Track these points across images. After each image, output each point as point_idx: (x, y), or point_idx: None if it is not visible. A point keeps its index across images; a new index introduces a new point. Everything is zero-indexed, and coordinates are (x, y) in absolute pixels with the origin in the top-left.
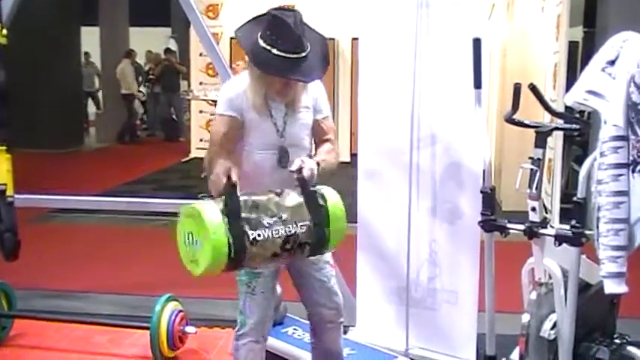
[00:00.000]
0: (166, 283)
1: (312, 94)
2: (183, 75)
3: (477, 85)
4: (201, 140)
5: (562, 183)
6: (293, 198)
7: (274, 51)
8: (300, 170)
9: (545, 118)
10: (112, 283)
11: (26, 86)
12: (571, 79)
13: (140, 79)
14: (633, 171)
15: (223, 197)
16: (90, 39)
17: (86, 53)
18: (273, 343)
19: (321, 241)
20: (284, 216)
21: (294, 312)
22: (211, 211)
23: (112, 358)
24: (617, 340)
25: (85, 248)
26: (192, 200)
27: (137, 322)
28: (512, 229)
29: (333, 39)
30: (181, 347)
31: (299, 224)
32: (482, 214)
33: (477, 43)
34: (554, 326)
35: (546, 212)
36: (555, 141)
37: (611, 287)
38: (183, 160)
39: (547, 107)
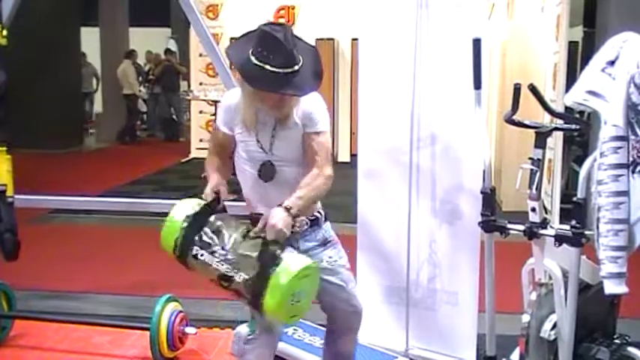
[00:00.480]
0: (166, 283)
1: (305, 107)
2: (183, 75)
3: (477, 85)
4: (201, 140)
5: (562, 183)
6: (252, 246)
7: (266, 67)
8: (263, 229)
9: (545, 119)
10: (112, 283)
11: (26, 87)
12: (571, 80)
13: (140, 79)
14: (633, 171)
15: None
16: (90, 39)
17: (83, 54)
18: None
19: (255, 302)
20: (230, 256)
21: None
22: (181, 209)
23: (111, 358)
24: (617, 341)
25: (85, 249)
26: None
27: (137, 322)
28: (512, 229)
29: (333, 39)
30: (181, 348)
31: (239, 273)
32: (482, 214)
33: (476, 43)
34: (554, 327)
35: (546, 213)
36: (555, 141)
37: (611, 288)
38: (183, 160)
39: (547, 108)
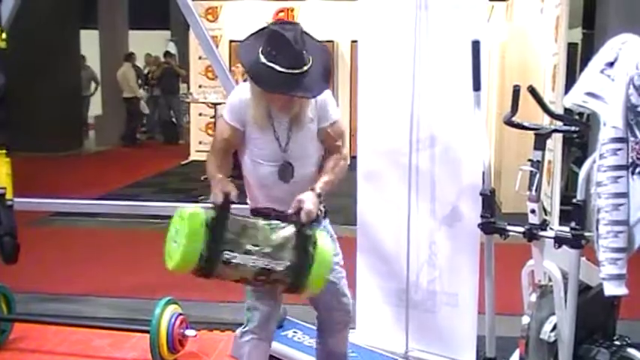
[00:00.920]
0: (166, 286)
1: (318, 103)
2: (183, 78)
3: (476, 87)
4: (200, 143)
5: (562, 185)
6: (283, 234)
7: (275, 67)
8: (298, 211)
9: (545, 120)
10: (112, 286)
11: (26, 89)
12: (570, 81)
13: (139, 81)
14: (632, 173)
15: (215, 210)
16: (89, 42)
17: (82, 57)
18: (274, 346)
19: (296, 285)
20: (266, 249)
21: (293, 315)
22: (195, 218)
23: None
24: (617, 342)
25: (85, 251)
26: (192, 203)
27: (137, 325)
28: (512, 231)
29: (333, 41)
30: (181, 350)
31: (279, 262)
32: (481, 216)
33: (475, 45)
34: (554, 328)
35: (546, 214)
36: (555, 143)
37: (611, 289)
38: (183, 162)
39: (546, 109)
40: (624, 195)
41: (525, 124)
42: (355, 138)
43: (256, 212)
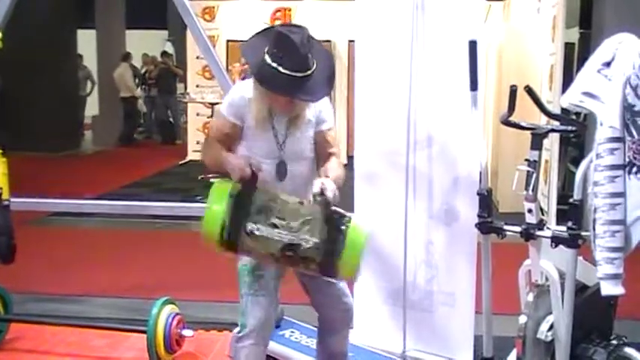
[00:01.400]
0: (163, 286)
1: (316, 106)
2: (180, 78)
3: (473, 87)
4: (198, 143)
5: (559, 185)
6: (313, 211)
7: (280, 69)
8: (322, 192)
9: (542, 120)
10: (109, 286)
11: (22, 89)
12: (567, 81)
13: (136, 81)
14: (629, 172)
15: (242, 183)
16: (86, 42)
17: (79, 56)
18: (270, 345)
19: (329, 265)
20: (293, 224)
21: (291, 314)
22: (221, 188)
23: None
24: (614, 342)
25: (82, 251)
26: (190, 203)
27: (134, 325)
28: (509, 230)
29: (330, 41)
30: (178, 350)
31: (306, 238)
32: (478, 215)
33: (472, 45)
34: (551, 328)
35: (543, 214)
36: (552, 143)
37: (608, 289)
38: (181, 162)
39: (543, 109)
40: (621, 194)
41: (522, 123)
42: (352, 138)
43: None
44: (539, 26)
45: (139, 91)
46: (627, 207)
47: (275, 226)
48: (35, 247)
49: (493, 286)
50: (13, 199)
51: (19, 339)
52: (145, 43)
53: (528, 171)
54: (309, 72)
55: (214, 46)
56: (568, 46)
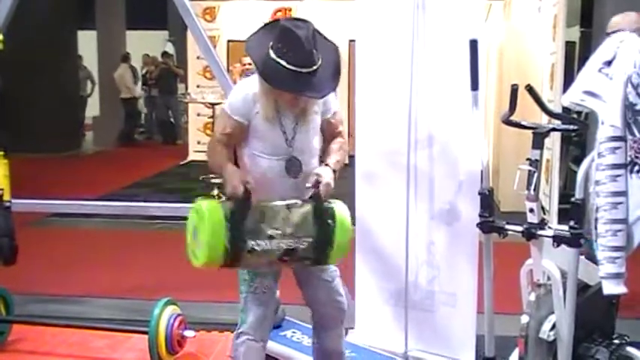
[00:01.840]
0: (165, 286)
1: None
2: (181, 78)
3: (474, 86)
4: (198, 143)
5: (560, 184)
6: (301, 212)
7: (284, 64)
8: (316, 185)
9: (543, 119)
10: (110, 287)
11: (23, 91)
12: (568, 80)
13: (136, 82)
14: (631, 171)
15: (234, 202)
16: (87, 43)
17: (79, 57)
18: (272, 346)
19: (321, 258)
20: (288, 230)
21: (292, 315)
22: (215, 214)
23: None
24: (616, 341)
25: (83, 252)
26: (190, 204)
27: (135, 326)
28: (511, 230)
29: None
30: (180, 351)
31: (302, 239)
32: (480, 215)
33: (473, 44)
34: (553, 327)
35: (544, 213)
36: (553, 142)
37: (610, 288)
38: (182, 163)
39: (544, 108)
40: (623, 193)
41: (523, 123)
42: (353, 138)
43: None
44: (540, 25)
45: (138, 92)
46: (629, 206)
47: (272, 237)
48: (36, 248)
49: (495, 286)
50: (14, 201)
51: (21, 340)
52: (145, 44)
53: (530, 170)
54: (314, 67)
55: (215, 47)
56: (569, 45)
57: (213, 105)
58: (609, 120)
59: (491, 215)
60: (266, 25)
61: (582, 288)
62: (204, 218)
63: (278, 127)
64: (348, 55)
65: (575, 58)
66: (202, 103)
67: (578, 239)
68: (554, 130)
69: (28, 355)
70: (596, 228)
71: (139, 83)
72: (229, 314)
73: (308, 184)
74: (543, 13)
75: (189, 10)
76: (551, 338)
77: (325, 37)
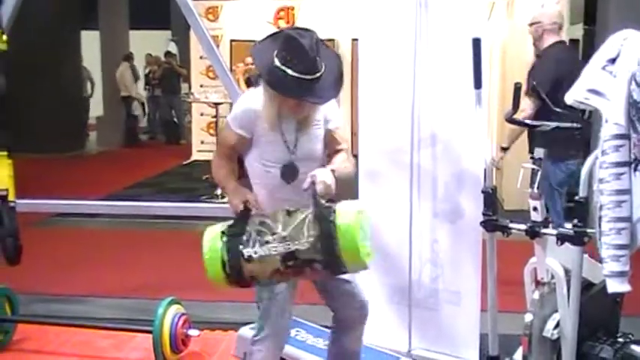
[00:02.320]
0: (169, 286)
1: (323, 106)
2: (184, 78)
3: (477, 85)
4: (202, 143)
5: None
6: (301, 216)
7: (289, 71)
8: (311, 185)
9: None
10: (115, 286)
11: (27, 91)
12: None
13: (136, 81)
14: (635, 169)
15: (235, 219)
16: (90, 43)
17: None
18: None
19: (332, 258)
20: (284, 233)
21: (297, 314)
22: (209, 234)
23: None
24: (620, 339)
25: (88, 252)
26: (194, 203)
27: (140, 325)
28: (514, 228)
29: (333, 40)
30: (184, 350)
31: (300, 241)
32: (483, 214)
33: (476, 42)
34: (557, 326)
35: (548, 211)
36: None
37: (614, 286)
38: (185, 162)
39: (547, 106)
40: (627, 192)
41: (527, 121)
42: (356, 137)
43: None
44: None
45: (136, 91)
46: (633, 204)
47: (268, 242)
48: (41, 248)
49: (498, 284)
50: (19, 201)
51: (26, 340)
52: (148, 44)
53: (533, 168)
54: (317, 74)
55: (218, 46)
56: (573, 43)
57: (216, 104)
58: (613, 118)
59: (494, 214)
60: (270, 35)
61: (586, 286)
62: (204, 238)
63: (279, 135)
64: (351, 54)
65: (578, 55)
66: (205, 102)
67: (582, 237)
68: (557, 128)
69: (33, 354)
70: (599, 226)
71: (139, 83)
72: (233, 313)
73: (304, 186)
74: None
75: (192, 10)
76: (555, 337)
77: (328, 47)
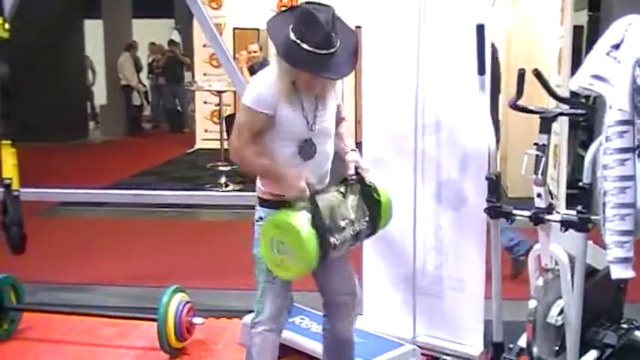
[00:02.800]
0: (173, 274)
1: (337, 81)
2: (187, 66)
3: (481, 71)
4: (206, 131)
5: (568, 168)
6: (353, 198)
7: (304, 45)
8: (357, 171)
9: (552, 104)
10: (119, 275)
11: (30, 80)
12: (576, 64)
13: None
14: (639, 155)
15: (308, 207)
16: (93, 32)
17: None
18: None
19: (372, 232)
20: (352, 217)
21: (301, 302)
22: (306, 227)
23: (119, 350)
24: (624, 325)
25: (92, 241)
26: (198, 191)
27: (144, 313)
28: (518, 215)
29: None
30: (189, 338)
31: (362, 221)
32: (487, 200)
33: (480, 29)
34: (561, 312)
35: (552, 198)
36: (561, 126)
37: (618, 272)
38: (189, 151)
39: (551, 93)
40: (631, 178)
41: (531, 107)
42: (360, 124)
43: (280, 201)
44: (548, 9)
45: (137, 82)
46: (637, 190)
47: (344, 228)
48: (45, 236)
49: (502, 271)
50: (23, 190)
51: (31, 328)
52: (151, 32)
53: (537, 155)
54: (332, 50)
55: (221, 34)
56: (577, 29)
57: (219, 93)
58: (617, 104)
59: (498, 200)
60: (287, 9)
61: (590, 272)
62: (299, 234)
63: (300, 111)
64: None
65: (583, 42)
66: (209, 91)
67: (586, 224)
68: (561, 114)
69: (38, 342)
70: (604, 212)
71: (141, 73)
72: (237, 301)
73: (350, 171)
74: None
75: None
76: (559, 323)
77: (344, 23)
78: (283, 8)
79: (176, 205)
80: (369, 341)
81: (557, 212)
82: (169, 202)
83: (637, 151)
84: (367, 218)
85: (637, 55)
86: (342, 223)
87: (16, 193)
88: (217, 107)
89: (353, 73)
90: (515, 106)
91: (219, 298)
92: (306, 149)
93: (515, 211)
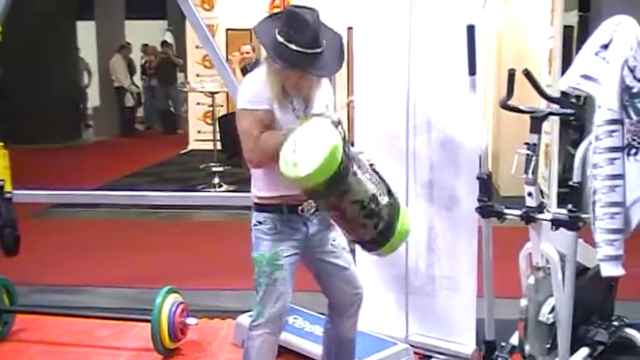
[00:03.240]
0: (166, 275)
1: (326, 89)
2: (180, 67)
3: (472, 71)
4: (199, 132)
5: (559, 168)
6: (375, 178)
7: (292, 46)
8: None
9: (542, 104)
10: (113, 276)
11: (23, 82)
12: (566, 64)
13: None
14: (628, 154)
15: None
16: (86, 33)
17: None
18: None
19: (388, 229)
20: (374, 180)
21: (294, 301)
22: (336, 134)
23: (113, 351)
24: (615, 323)
25: (85, 242)
26: (192, 192)
27: (138, 314)
28: (509, 214)
29: None
30: (183, 339)
31: (383, 196)
32: (479, 200)
33: (470, 29)
34: (552, 310)
35: (543, 197)
36: (552, 126)
37: (609, 270)
38: (182, 152)
39: (541, 93)
40: (620, 176)
41: (521, 107)
42: (352, 123)
43: (284, 204)
44: (538, 10)
45: (130, 83)
46: (626, 189)
47: (365, 174)
48: (38, 238)
49: (494, 270)
50: (16, 192)
51: (25, 330)
52: (144, 34)
53: (528, 154)
54: (319, 49)
55: (214, 36)
56: (567, 30)
57: (212, 94)
58: (606, 103)
59: (490, 200)
60: (273, 14)
61: (581, 271)
62: (321, 130)
63: (291, 113)
64: (346, 42)
65: (573, 42)
66: (202, 92)
67: (577, 222)
68: (551, 114)
69: (32, 344)
70: (594, 211)
71: (134, 75)
72: (231, 301)
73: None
74: None
75: None
76: (551, 321)
77: (328, 26)
78: (276, 10)
79: (169, 206)
80: (363, 340)
81: (548, 211)
82: (163, 203)
83: (626, 150)
84: (386, 203)
85: (625, 55)
86: (364, 170)
87: (8, 196)
88: (210, 108)
89: (345, 73)
90: (505, 106)
91: (212, 298)
92: None
93: (506, 210)
